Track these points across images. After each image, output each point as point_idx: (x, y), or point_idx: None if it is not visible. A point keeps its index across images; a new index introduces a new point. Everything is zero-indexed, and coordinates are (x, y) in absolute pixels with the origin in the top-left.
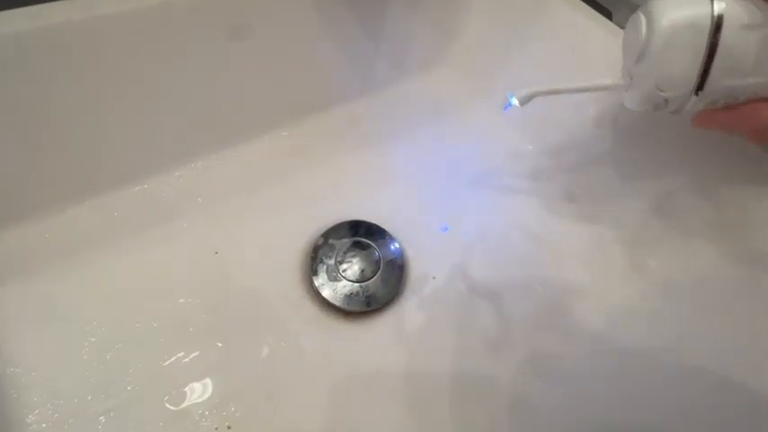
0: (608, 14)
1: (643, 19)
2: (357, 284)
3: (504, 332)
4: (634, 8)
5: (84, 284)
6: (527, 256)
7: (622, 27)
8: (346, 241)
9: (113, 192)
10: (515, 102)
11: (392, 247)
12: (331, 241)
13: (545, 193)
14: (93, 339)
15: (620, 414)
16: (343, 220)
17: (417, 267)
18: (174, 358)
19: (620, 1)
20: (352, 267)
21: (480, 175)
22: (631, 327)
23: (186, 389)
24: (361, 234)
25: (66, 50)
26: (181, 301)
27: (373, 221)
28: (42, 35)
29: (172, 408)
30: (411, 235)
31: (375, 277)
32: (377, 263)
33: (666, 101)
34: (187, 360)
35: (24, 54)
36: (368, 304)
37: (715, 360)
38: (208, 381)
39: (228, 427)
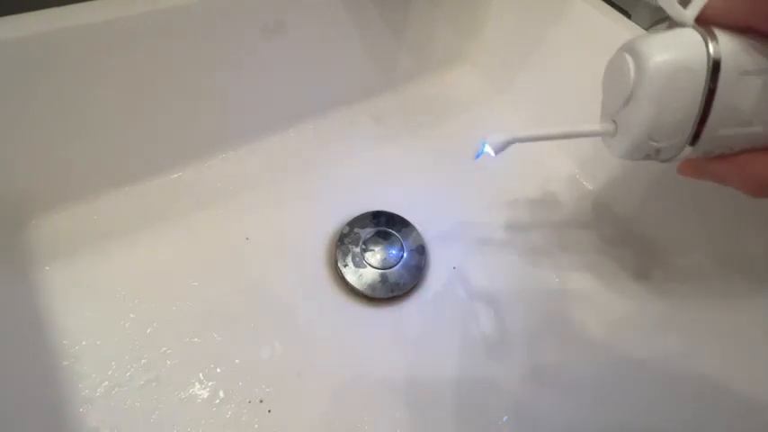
0: (626, 15)
1: (629, 59)
2: (381, 272)
3: (526, 325)
4: (652, 9)
5: (125, 265)
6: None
7: (642, 27)
8: (370, 230)
9: (150, 180)
10: (489, 150)
11: (414, 237)
12: (356, 230)
13: (559, 194)
14: (133, 316)
15: (622, 421)
16: (367, 210)
17: (438, 257)
18: (207, 336)
19: (638, 2)
20: (376, 255)
21: (497, 172)
22: (635, 335)
23: (219, 365)
24: (385, 224)
25: (106, 48)
26: (214, 282)
27: (396, 212)
28: (82, 32)
29: (207, 381)
30: (432, 226)
31: (398, 265)
32: (400, 251)
33: (658, 151)
34: (220, 338)
35: (67, 50)
36: (391, 291)
37: (716, 369)
38: (240, 358)
39: (261, 401)
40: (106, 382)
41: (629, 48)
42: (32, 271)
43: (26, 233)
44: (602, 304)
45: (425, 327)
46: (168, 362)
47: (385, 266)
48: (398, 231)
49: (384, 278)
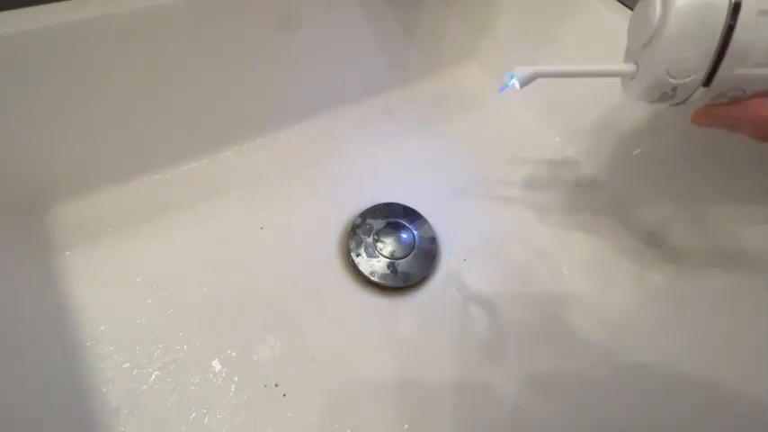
0: None
1: (657, 0)
2: (393, 261)
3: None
4: None
5: (142, 252)
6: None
7: None
8: (382, 221)
9: (166, 170)
10: (515, 83)
11: (426, 229)
12: (368, 221)
13: (566, 190)
14: (151, 301)
15: (621, 424)
16: (378, 202)
17: (449, 249)
18: (223, 321)
19: None
20: (388, 246)
21: (504, 166)
22: (634, 338)
23: (235, 349)
24: (396, 215)
25: (127, 39)
26: (229, 270)
27: (407, 204)
28: (105, 23)
29: (223, 365)
30: (443, 218)
31: (409, 256)
32: (411, 242)
33: (675, 89)
34: (235, 324)
35: (89, 42)
36: (403, 281)
37: (715, 371)
38: (255, 343)
39: (276, 385)
40: (127, 364)
41: None
42: (53, 256)
43: (48, 220)
44: (603, 302)
45: (436, 315)
46: (185, 346)
47: (396, 257)
48: (410, 223)
49: (395, 268)
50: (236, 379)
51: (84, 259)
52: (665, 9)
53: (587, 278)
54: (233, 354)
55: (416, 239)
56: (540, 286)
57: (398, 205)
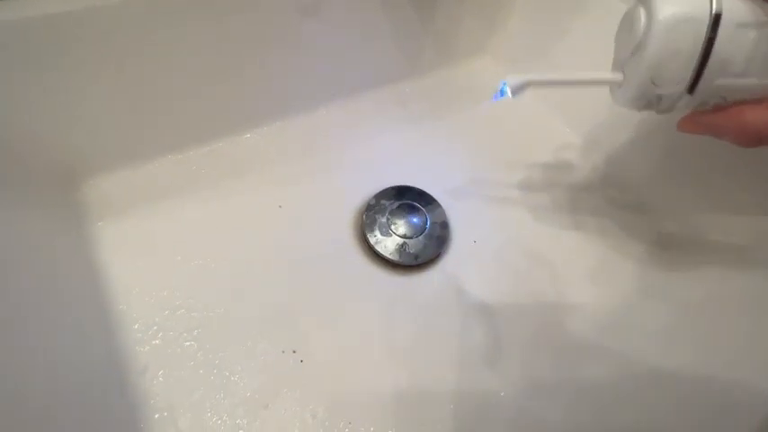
0: None
1: (642, 12)
2: (405, 241)
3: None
4: None
5: (170, 224)
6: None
7: None
8: (396, 202)
9: (191, 149)
10: (507, 91)
11: (438, 212)
12: (382, 202)
13: (576, 186)
14: (178, 269)
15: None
16: (392, 184)
17: (459, 230)
18: (243, 290)
19: None
20: (401, 226)
21: (515, 159)
22: (645, 344)
23: (256, 316)
24: (409, 197)
25: (161, 23)
26: (249, 243)
27: (419, 187)
28: (137, 5)
29: (245, 331)
30: (453, 201)
31: (422, 236)
32: (423, 223)
33: (660, 97)
34: (255, 293)
35: (127, 25)
36: (415, 258)
37: (728, 376)
38: (274, 312)
39: (294, 351)
40: (155, 327)
41: (644, 2)
42: (87, 225)
43: (82, 191)
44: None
45: (446, 294)
46: (210, 312)
47: (409, 236)
48: (423, 206)
49: (407, 247)
50: (255, 344)
51: (115, 230)
52: (649, 21)
53: (593, 280)
54: (253, 321)
55: (428, 220)
56: (548, 278)
57: (411, 188)
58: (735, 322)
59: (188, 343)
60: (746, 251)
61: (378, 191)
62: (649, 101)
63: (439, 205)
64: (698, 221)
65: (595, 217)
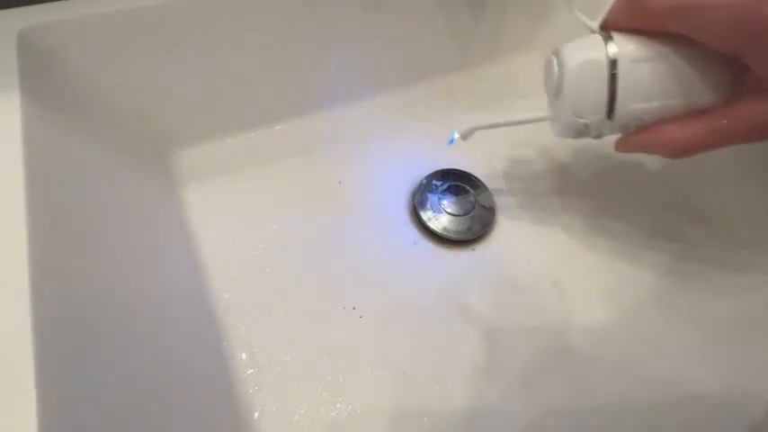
0: None
1: (555, 60)
2: (455, 218)
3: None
4: None
5: (247, 193)
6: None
7: None
8: (446, 183)
9: (265, 128)
10: (458, 137)
11: (485, 194)
12: (434, 182)
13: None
14: (255, 232)
15: None
16: (444, 167)
17: (505, 211)
18: (309, 254)
19: None
20: (452, 205)
21: (556, 151)
22: (658, 359)
23: (319, 276)
24: (459, 179)
25: (245, 11)
26: (314, 214)
27: (468, 171)
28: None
29: (309, 288)
30: (499, 184)
31: (470, 214)
32: (472, 203)
33: (587, 126)
34: (319, 257)
35: (213, 14)
36: (463, 234)
37: (738, 401)
38: (335, 272)
39: (354, 308)
40: (237, 277)
41: (555, 51)
42: (178, 189)
43: (174, 160)
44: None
45: (489, 269)
46: (281, 270)
47: (458, 214)
48: (471, 187)
49: (457, 223)
50: (319, 300)
51: (201, 195)
52: (561, 69)
53: (608, 296)
54: (318, 281)
55: (476, 200)
56: (591, 267)
57: (460, 171)
58: (759, 343)
59: (263, 294)
60: None
61: (429, 172)
62: (578, 130)
63: (486, 189)
64: (720, 238)
65: (646, 212)
